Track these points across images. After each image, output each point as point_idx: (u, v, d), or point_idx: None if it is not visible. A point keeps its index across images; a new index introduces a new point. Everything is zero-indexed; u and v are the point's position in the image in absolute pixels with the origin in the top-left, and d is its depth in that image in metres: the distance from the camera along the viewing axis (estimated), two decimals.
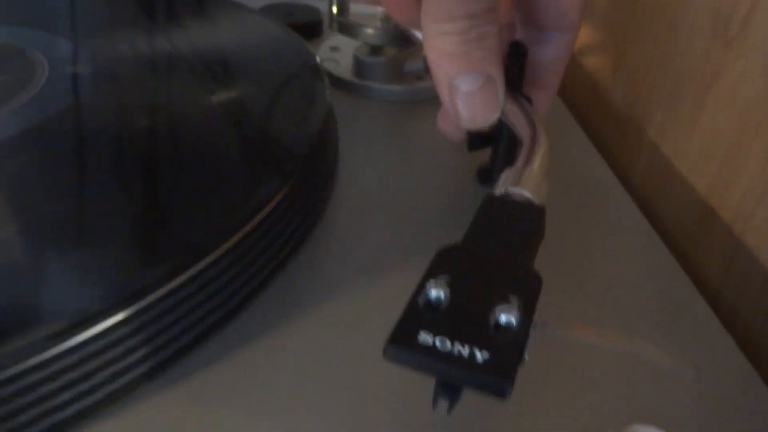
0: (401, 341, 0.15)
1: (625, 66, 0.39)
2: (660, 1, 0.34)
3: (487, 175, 0.30)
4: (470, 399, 0.17)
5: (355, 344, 0.22)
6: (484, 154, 0.30)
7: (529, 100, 0.27)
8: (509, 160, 0.25)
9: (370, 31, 0.35)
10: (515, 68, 0.27)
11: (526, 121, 0.24)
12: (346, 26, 0.36)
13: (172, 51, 0.33)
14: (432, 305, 0.16)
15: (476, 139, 0.29)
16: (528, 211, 0.19)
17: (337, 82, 0.37)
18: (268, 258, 0.24)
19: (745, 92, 0.28)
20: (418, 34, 0.24)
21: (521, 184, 0.20)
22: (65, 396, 0.19)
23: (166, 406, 0.20)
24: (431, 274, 0.16)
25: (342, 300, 0.24)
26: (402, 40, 0.36)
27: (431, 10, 0.21)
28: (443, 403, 0.16)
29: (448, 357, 0.14)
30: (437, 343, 0.15)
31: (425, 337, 0.15)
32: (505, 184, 0.20)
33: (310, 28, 0.42)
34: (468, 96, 0.22)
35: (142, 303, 0.20)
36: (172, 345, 0.21)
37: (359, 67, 0.37)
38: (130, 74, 0.31)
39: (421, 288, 0.16)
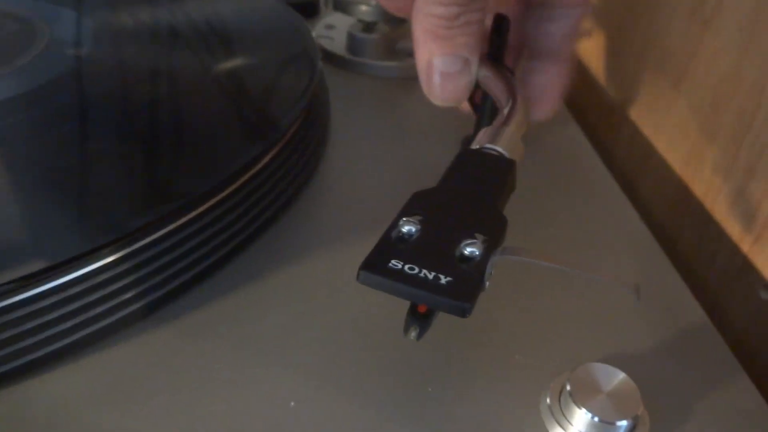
0: (373, 267, 0.16)
1: (610, 47, 0.40)
2: None
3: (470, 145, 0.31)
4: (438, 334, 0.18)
5: (335, 290, 0.24)
6: (469, 126, 0.31)
7: (511, 71, 0.28)
8: None
9: (364, 8, 0.37)
10: (498, 41, 0.28)
11: (506, 90, 0.26)
12: (341, 3, 0.37)
13: (174, 22, 0.34)
14: (404, 239, 0.17)
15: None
16: (499, 164, 0.21)
17: (332, 57, 0.38)
18: (261, 209, 0.25)
19: (718, 69, 0.29)
20: None
21: (495, 141, 0.22)
22: (66, 325, 0.20)
23: (160, 342, 0.21)
24: (405, 212, 0.18)
25: (326, 251, 0.25)
26: (395, 18, 0.37)
27: None
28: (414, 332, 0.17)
29: (415, 280, 0.16)
30: (405, 268, 0.16)
31: (395, 264, 0.16)
32: (481, 141, 0.22)
33: (307, 7, 0.43)
34: (444, 76, 0.23)
35: (138, 243, 0.21)
36: (166, 285, 0.22)
37: (353, 43, 0.38)
38: (133, 42, 0.32)
39: (394, 224, 0.17)
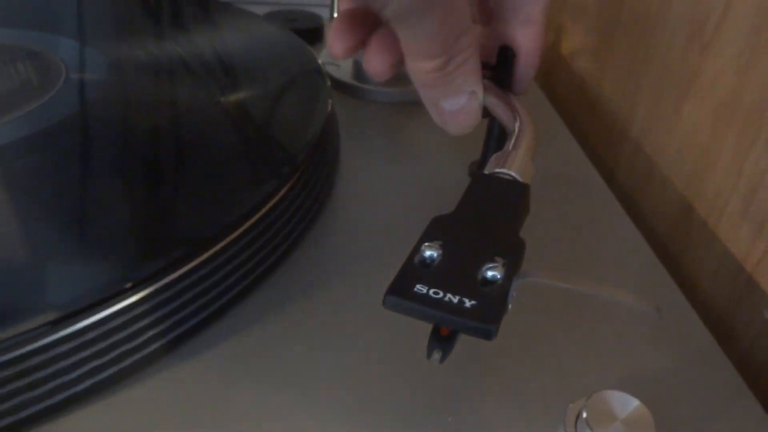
0: (398, 292, 0.17)
1: (611, 68, 0.41)
2: (643, 8, 0.37)
3: (480, 170, 0.32)
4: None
5: (352, 318, 0.24)
6: (476, 151, 0.32)
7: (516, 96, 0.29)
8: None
9: None
10: (504, 71, 0.29)
11: (514, 115, 0.26)
12: None
13: (183, 55, 0.35)
14: (426, 264, 0.18)
15: None
16: (513, 188, 0.21)
17: (338, 84, 0.39)
18: (278, 242, 0.26)
19: (718, 91, 0.30)
20: None
21: (507, 165, 0.22)
22: (95, 363, 0.21)
23: (184, 378, 0.22)
24: (426, 237, 0.18)
25: (343, 282, 0.26)
26: None
27: (409, 48, 0.21)
28: (437, 355, 0.17)
29: (440, 304, 0.16)
30: (430, 293, 0.17)
31: (420, 289, 0.17)
32: (493, 166, 0.22)
33: (312, 33, 0.44)
34: (452, 114, 0.24)
35: (160, 282, 0.22)
36: (187, 322, 0.23)
37: (359, 70, 0.39)
38: (145, 77, 0.33)
39: (416, 249, 0.18)
